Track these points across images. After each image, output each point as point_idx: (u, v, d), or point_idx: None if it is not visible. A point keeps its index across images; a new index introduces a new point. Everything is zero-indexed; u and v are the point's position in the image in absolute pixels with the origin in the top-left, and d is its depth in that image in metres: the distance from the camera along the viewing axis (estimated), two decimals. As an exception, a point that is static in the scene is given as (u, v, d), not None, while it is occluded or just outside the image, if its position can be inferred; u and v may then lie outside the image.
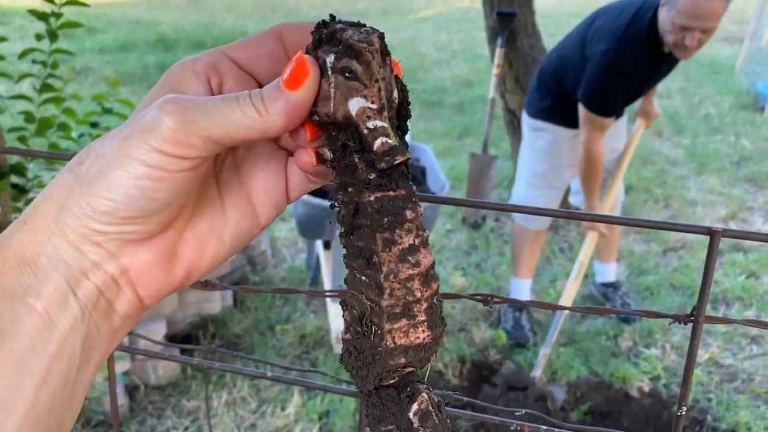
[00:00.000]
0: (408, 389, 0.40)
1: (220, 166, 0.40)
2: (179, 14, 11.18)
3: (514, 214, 2.84)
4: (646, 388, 2.48)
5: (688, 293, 3.04)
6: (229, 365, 0.59)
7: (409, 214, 0.37)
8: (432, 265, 0.38)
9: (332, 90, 0.34)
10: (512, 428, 0.55)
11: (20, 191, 1.83)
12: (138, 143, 0.32)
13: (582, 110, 2.40)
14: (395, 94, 0.36)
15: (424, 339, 0.39)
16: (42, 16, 1.78)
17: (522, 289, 2.87)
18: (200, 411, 2.33)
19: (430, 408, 0.40)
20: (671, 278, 3.18)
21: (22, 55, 1.83)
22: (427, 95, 6.54)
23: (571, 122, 2.55)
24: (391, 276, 0.37)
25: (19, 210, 1.87)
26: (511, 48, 3.58)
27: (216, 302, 2.75)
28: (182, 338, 2.66)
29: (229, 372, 0.56)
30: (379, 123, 0.35)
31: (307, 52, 0.35)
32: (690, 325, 0.51)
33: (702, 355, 2.64)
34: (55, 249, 0.33)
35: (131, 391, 2.38)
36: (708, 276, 0.49)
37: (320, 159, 0.38)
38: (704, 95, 6.23)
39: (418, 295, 0.38)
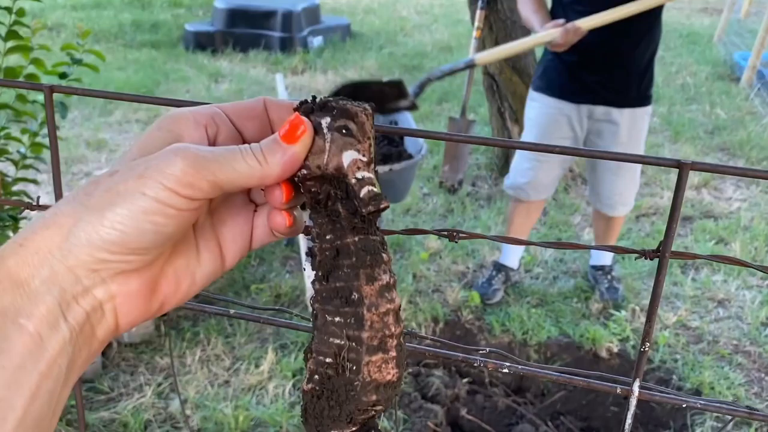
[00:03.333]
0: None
1: None
2: (154, -29, 10.87)
3: (507, 189, 2.78)
4: (615, 349, 2.53)
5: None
6: (191, 303, 0.59)
7: (385, 256, 0.41)
8: (400, 307, 0.42)
9: (328, 144, 0.39)
10: (476, 365, 0.56)
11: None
12: (152, 182, 0.36)
13: None
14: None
15: (393, 376, 0.41)
16: (6, -41, 1.72)
17: (510, 254, 2.87)
18: (174, 368, 2.33)
19: None
20: (642, 243, 3.22)
21: (-14, -1, 1.76)
22: (407, 59, 6.48)
23: (560, 93, 2.52)
24: (373, 308, 0.40)
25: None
26: (491, 10, 3.55)
27: (190, 261, 2.74)
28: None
29: (190, 309, 0.55)
30: (366, 174, 0.39)
31: None
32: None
33: (670, 317, 2.69)
34: (53, 273, 0.35)
35: (104, 348, 2.37)
36: (675, 211, 0.49)
37: (312, 207, 0.42)
38: (682, 65, 6.26)
39: (393, 330, 0.41)
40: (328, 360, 0.41)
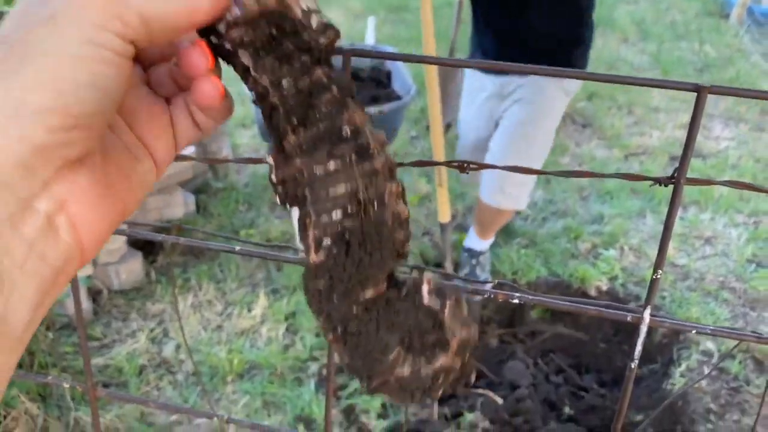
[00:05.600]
0: (406, 282, 0.39)
1: None
2: None
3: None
4: (604, 288, 2.56)
5: (648, 197, 3.10)
6: (196, 240, 0.57)
7: None
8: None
9: None
10: (486, 296, 0.55)
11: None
12: (71, 22, 0.28)
13: None
14: None
15: (407, 212, 0.38)
16: None
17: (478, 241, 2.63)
18: (165, 314, 2.33)
19: (440, 281, 0.38)
20: (631, 183, 3.23)
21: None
22: (392, -1, 6.33)
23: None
24: (374, 135, 0.37)
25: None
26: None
27: (178, 207, 2.71)
28: (144, 244, 2.62)
29: (196, 245, 0.54)
30: (311, 5, 0.36)
31: None
32: (658, 238, 0.50)
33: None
34: None
35: (94, 295, 2.36)
36: (692, 136, 0.48)
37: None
38: (671, 1, 6.17)
39: (393, 160, 0.38)
40: (336, 215, 0.37)
